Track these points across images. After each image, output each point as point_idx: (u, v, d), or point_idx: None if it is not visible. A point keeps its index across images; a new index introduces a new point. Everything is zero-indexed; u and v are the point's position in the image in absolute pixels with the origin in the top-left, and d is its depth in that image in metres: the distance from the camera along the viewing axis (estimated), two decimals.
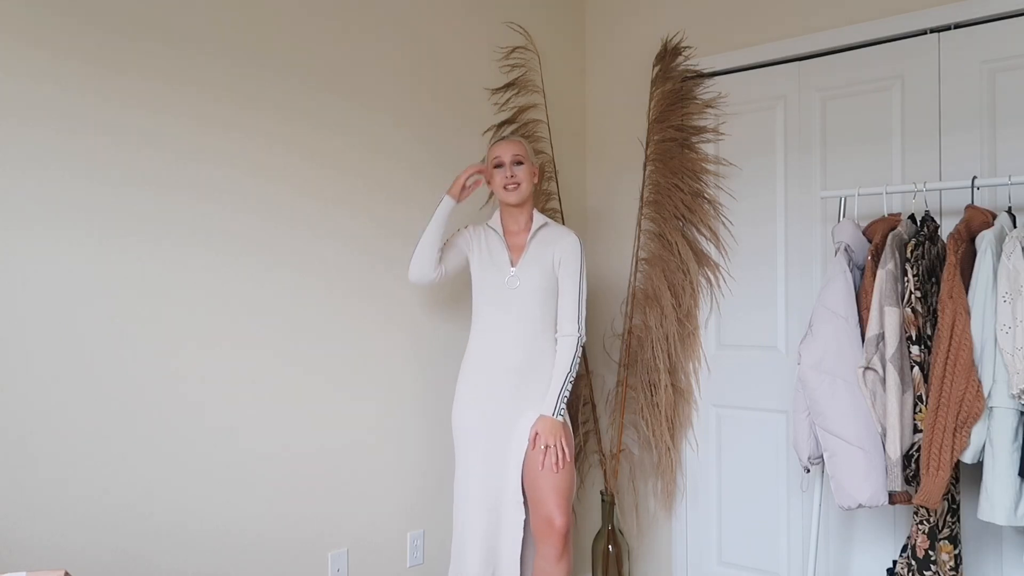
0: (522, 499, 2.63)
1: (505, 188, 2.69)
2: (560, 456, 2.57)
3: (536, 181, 2.78)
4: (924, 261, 2.40)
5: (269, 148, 2.60)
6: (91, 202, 2.21)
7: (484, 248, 2.76)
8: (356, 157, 2.85)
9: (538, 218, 2.76)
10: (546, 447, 2.57)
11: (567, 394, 2.60)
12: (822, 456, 2.53)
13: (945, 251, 2.38)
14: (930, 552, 2.39)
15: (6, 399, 2.06)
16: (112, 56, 2.25)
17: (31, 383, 2.10)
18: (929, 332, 2.38)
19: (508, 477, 2.64)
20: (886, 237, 2.50)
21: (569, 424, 2.67)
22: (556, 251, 2.70)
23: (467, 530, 2.68)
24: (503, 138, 2.86)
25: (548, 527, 2.57)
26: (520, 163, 2.71)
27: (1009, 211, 2.36)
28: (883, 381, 2.38)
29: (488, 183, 2.78)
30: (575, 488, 2.74)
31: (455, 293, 3.12)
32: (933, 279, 2.41)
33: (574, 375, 2.63)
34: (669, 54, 3.35)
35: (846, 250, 2.55)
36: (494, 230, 2.78)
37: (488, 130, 3.29)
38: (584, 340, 2.68)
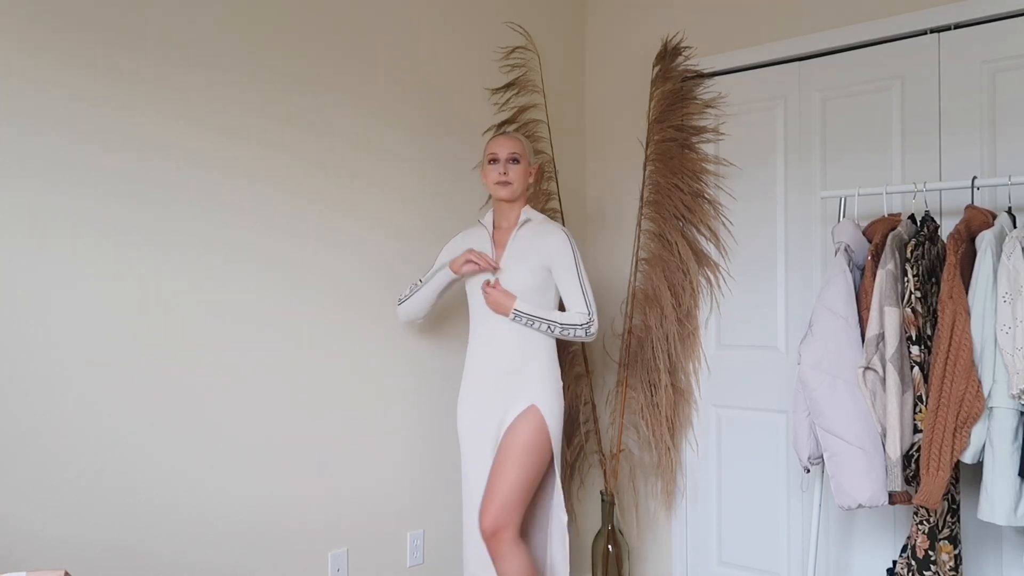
0: None
1: (496, 183, 2.66)
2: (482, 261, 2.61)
3: (534, 181, 2.75)
4: (924, 261, 2.40)
5: (271, 155, 2.61)
6: (96, 210, 2.21)
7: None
8: (355, 159, 2.85)
9: (524, 214, 2.70)
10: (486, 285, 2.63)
11: (539, 324, 2.57)
12: (822, 456, 2.53)
13: (945, 251, 2.38)
14: (930, 552, 2.39)
15: (11, 399, 2.07)
16: (115, 65, 2.26)
17: (33, 383, 2.11)
18: (929, 332, 2.38)
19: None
20: (886, 237, 2.50)
21: (555, 424, 2.61)
22: (543, 251, 2.63)
23: (467, 530, 2.68)
24: (502, 133, 2.84)
25: (481, 528, 2.56)
26: (516, 160, 2.67)
27: (1009, 211, 2.36)
28: (883, 381, 2.38)
29: (483, 181, 2.77)
30: (548, 489, 2.65)
31: (455, 293, 3.12)
32: (933, 279, 2.41)
33: (559, 329, 2.57)
34: (669, 54, 3.35)
35: (846, 250, 2.55)
36: (484, 227, 2.77)
37: (488, 130, 3.29)
38: (595, 326, 2.59)
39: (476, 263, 2.63)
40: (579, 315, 2.59)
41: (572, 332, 2.59)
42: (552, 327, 2.58)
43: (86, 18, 2.21)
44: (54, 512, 2.14)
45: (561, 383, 2.67)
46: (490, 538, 2.53)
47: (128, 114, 2.29)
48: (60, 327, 2.16)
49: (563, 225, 3.40)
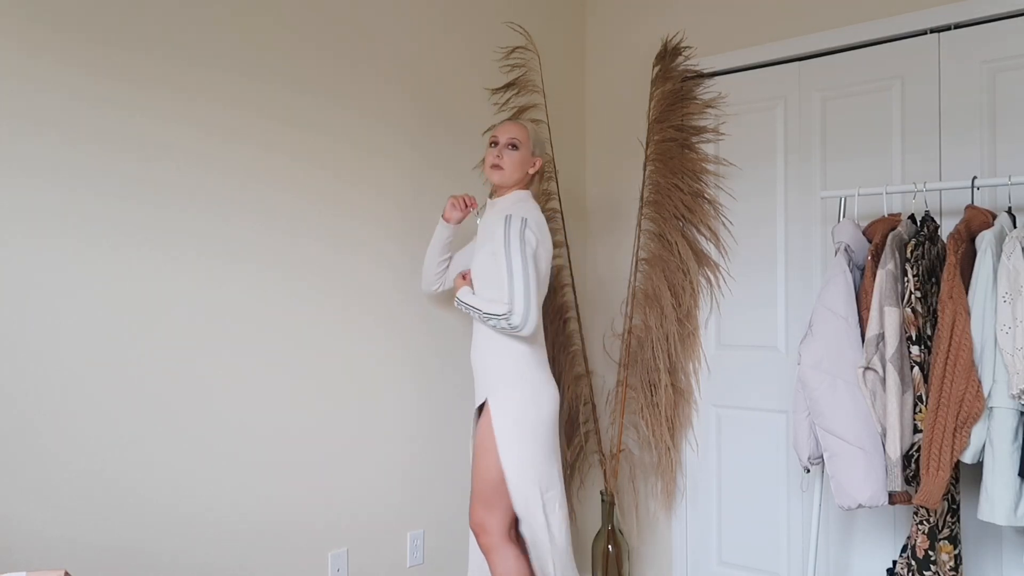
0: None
1: (491, 167, 2.62)
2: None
3: (534, 172, 2.67)
4: (924, 261, 2.40)
5: (271, 155, 2.60)
6: (95, 210, 2.21)
7: None
8: (354, 159, 2.85)
9: (501, 200, 2.64)
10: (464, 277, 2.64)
11: (473, 312, 2.49)
12: (822, 456, 2.53)
13: (945, 251, 2.38)
14: (930, 552, 2.39)
15: (12, 398, 2.07)
16: (115, 65, 2.26)
17: (34, 383, 2.11)
18: (929, 332, 2.38)
19: None
20: (886, 237, 2.50)
21: (493, 422, 2.49)
22: (492, 238, 2.51)
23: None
24: (508, 118, 2.83)
25: None
26: (515, 147, 2.61)
27: (1009, 211, 2.36)
28: (883, 381, 2.38)
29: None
30: (494, 495, 2.51)
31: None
32: (933, 279, 2.41)
33: (485, 318, 2.45)
34: (669, 54, 3.34)
35: (846, 250, 2.55)
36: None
37: (488, 130, 3.28)
38: (516, 317, 2.40)
39: (456, 204, 2.71)
40: (500, 304, 2.44)
41: (496, 322, 2.44)
42: (482, 316, 2.47)
43: (86, 18, 2.21)
44: (54, 512, 2.14)
45: (527, 381, 2.51)
46: (476, 536, 2.56)
47: (128, 114, 2.29)
48: (61, 327, 2.16)
49: (561, 222, 3.41)
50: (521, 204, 2.59)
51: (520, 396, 2.50)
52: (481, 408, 2.59)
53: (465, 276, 2.64)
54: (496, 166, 2.62)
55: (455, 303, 2.59)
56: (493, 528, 2.52)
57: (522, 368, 2.53)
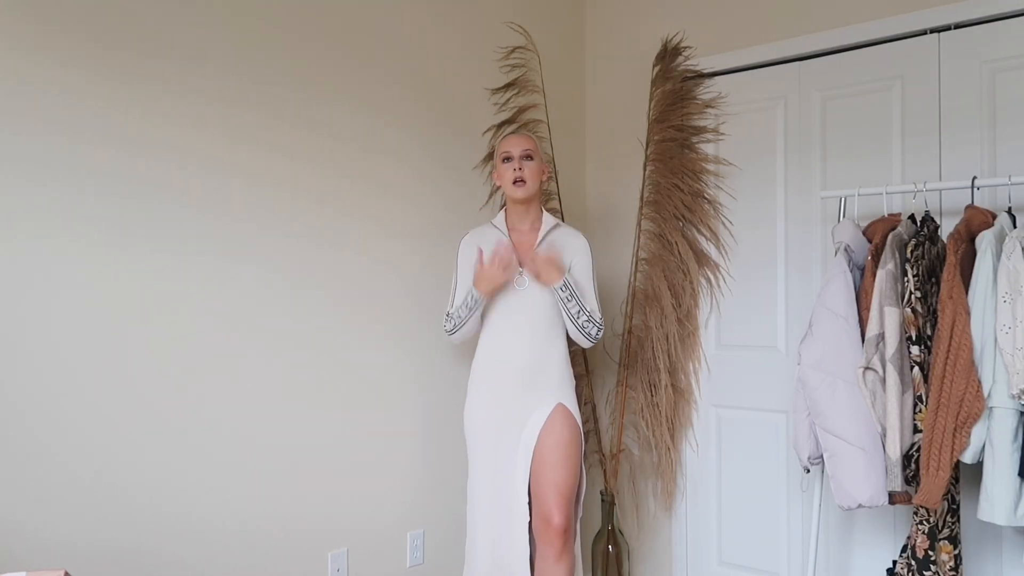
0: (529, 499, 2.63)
1: (513, 183, 2.68)
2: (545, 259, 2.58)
3: (545, 179, 2.78)
4: (924, 261, 2.40)
5: (271, 155, 2.60)
6: (95, 211, 2.21)
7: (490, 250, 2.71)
8: (355, 159, 2.85)
9: (548, 219, 2.75)
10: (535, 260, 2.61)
11: (573, 305, 2.62)
12: (822, 456, 2.53)
13: (945, 251, 2.38)
14: (930, 552, 2.39)
15: (11, 399, 2.07)
16: (117, 66, 2.26)
17: (33, 384, 2.11)
18: (929, 332, 2.38)
19: (516, 478, 2.64)
20: (886, 237, 2.50)
21: (580, 423, 2.69)
22: (567, 254, 2.71)
23: (478, 531, 2.68)
24: (513, 132, 2.84)
25: (546, 525, 2.56)
26: (529, 158, 2.69)
27: (1009, 211, 2.36)
28: (883, 381, 2.38)
29: (497, 182, 2.79)
30: (581, 489, 2.74)
31: None
32: (933, 279, 2.41)
33: (585, 318, 2.64)
34: (669, 54, 3.35)
35: (846, 250, 2.55)
36: (499, 229, 2.76)
37: (488, 130, 3.28)
38: (603, 330, 2.71)
39: (505, 273, 2.60)
40: (597, 313, 2.70)
41: (592, 328, 2.67)
42: (581, 313, 2.64)
43: (87, 18, 2.21)
44: (54, 512, 2.14)
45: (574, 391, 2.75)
46: (564, 533, 2.57)
47: (128, 114, 2.28)
48: (60, 327, 2.16)
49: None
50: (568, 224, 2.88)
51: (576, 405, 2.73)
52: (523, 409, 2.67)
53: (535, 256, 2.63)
54: (520, 179, 2.67)
55: (561, 283, 2.60)
56: (571, 528, 2.61)
57: (572, 372, 2.76)
